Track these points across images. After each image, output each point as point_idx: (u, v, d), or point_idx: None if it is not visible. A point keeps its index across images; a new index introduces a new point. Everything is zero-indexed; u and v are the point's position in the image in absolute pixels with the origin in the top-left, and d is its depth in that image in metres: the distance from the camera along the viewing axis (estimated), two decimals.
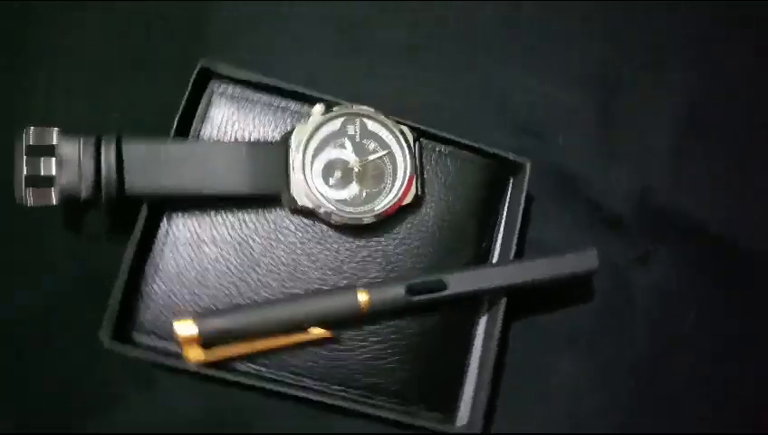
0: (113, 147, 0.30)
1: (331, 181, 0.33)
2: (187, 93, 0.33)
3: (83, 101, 0.37)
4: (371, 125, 0.34)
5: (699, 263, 0.39)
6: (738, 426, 0.38)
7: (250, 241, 0.33)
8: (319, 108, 0.33)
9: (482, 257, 0.35)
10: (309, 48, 0.40)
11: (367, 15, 0.41)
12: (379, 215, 0.33)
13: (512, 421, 0.36)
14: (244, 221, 0.33)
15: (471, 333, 0.35)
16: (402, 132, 0.34)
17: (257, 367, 0.32)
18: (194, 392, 0.34)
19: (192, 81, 0.33)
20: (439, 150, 0.35)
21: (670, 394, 0.38)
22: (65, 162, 0.30)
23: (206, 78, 0.34)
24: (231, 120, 0.34)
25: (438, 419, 0.33)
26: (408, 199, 0.33)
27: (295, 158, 0.32)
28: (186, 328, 0.30)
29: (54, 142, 0.30)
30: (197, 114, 0.34)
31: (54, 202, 0.30)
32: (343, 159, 0.33)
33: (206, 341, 0.31)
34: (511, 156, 0.36)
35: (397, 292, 0.32)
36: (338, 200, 0.33)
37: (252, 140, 0.34)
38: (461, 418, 0.34)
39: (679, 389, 0.38)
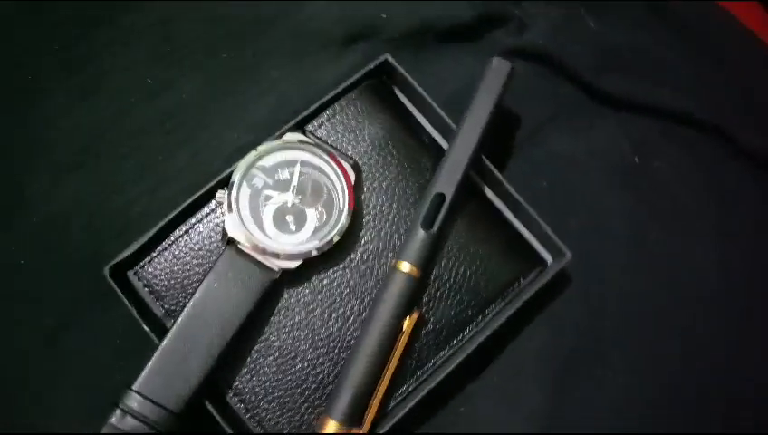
0: (134, 395, 0.29)
1: (292, 228, 0.33)
2: (128, 305, 0.32)
3: None
4: (267, 160, 0.33)
5: None
6: None
7: (290, 328, 0.33)
8: (220, 195, 0.33)
9: (439, 151, 0.36)
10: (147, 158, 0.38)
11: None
12: (349, 210, 0.33)
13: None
14: (272, 322, 0.33)
15: (490, 202, 0.36)
16: (289, 140, 0.33)
17: (404, 390, 0.33)
18: None
19: (120, 293, 0.32)
20: (324, 121, 0.35)
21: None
22: None
23: (121, 275, 0.33)
24: (174, 277, 0.33)
25: (542, 270, 0.35)
26: (353, 176, 0.33)
27: (246, 244, 0.32)
28: (332, 429, 0.30)
29: None
30: (149, 302, 0.33)
31: None
32: (279, 205, 0.33)
33: (351, 418, 0.31)
34: (371, 66, 0.36)
35: (419, 237, 0.33)
36: (312, 235, 0.33)
37: (205, 271, 0.33)
38: (550, 256, 0.36)
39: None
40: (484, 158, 0.35)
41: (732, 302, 0.38)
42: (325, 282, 0.33)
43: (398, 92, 0.38)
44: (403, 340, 0.32)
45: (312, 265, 0.33)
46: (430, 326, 0.33)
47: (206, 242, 0.33)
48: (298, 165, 0.33)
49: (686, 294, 0.38)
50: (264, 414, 0.32)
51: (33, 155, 0.38)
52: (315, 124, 0.35)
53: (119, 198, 0.37)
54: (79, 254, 0.36)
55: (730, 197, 0.39)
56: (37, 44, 0.39)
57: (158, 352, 0.30)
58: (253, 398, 0.32)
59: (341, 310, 0.33)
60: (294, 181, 0.33)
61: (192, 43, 0.40)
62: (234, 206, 0.32)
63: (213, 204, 0.34)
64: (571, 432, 0.35)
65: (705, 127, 0.40)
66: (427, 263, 0.33)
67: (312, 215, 0.33)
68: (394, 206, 0.35)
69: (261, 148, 0.33)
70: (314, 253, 0.32)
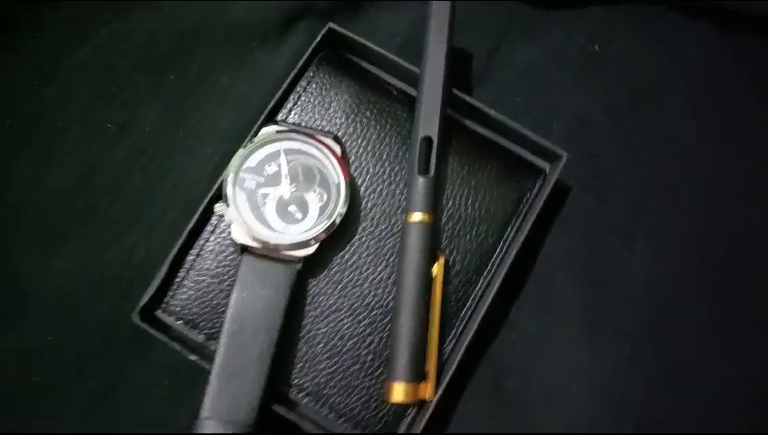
0: (206, 422, 0.29)
1: (298, 217, 0.33)
2: (168, 342, 0.31)
3: None
4: (251, 160, 0.33)
5: None
6: None
7: (328, 311, 0.33)
8: (219, 208, 0.32)
9: (410, 99, 0.36)
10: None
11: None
12: (345, 182, 0.33)
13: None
14: (309, 311, 0.33)
15: (475, 132, 0.36)
16: (265, 135, 0.33)
17: (454, 334, 0.33)
18: None
19: (156, 333, 0.32)
20: (292, 106, 0.35)
21: None
22: None
23: (151, 317, 0.33)
24: (202, 301, 0.33)
25: (544, 178, 0.36)
26: (338, 149, 0.33)
27: (259, 246, 0.32)
28: (400, 391, 0.31)
29: None
30: (186, 333, 0.33)
31: None
32: (278, 199, 0.33)
33: (415, 375, 0.32)
34: (318, 38, 0.36)
35: (420, 184, 0.33)
36: (319, 216, 0.33)
37: (229, 285, 0.33)
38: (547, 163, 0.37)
39: None
40: (455, 90, 0.35)
41: (721, 169, 0.39)
42: (347, 257, 0.34)
43: (352, 57, 0.37)
44: (438, 286, 0.33)
45: (329, 246, 0.33)
46: (458, 266, 0.34)
47: (219, 258, 0.33)
48: (282, 155, 0.33)
49: (679, 166, 0.38)
50: (332, 400, 0.32)
51: (18, 234, 0.37)
52: (284, 112, 0.35)
53: (117, 251, 0.37)
54: (97, 316, 0.36)
55: (694, 60, 0.40)
56: None
57: (213, 376, 0.30)
58: (316, 389, 0.32)
59: (371, 278, 0.33)
60: (284, 171, 0.33)
61: (135, 74, 0.39)
62: (235, 213, 0.32)
63: (214, 220, 0.34)
64: (616, 325, 0.36)
65: None
66: (435, 206, 0.33)
67: (313, 198, 0.33)
68: (386, 164, 0.35)
69: (242, 150, 0.33)
70: (326, 233, 0.32)
